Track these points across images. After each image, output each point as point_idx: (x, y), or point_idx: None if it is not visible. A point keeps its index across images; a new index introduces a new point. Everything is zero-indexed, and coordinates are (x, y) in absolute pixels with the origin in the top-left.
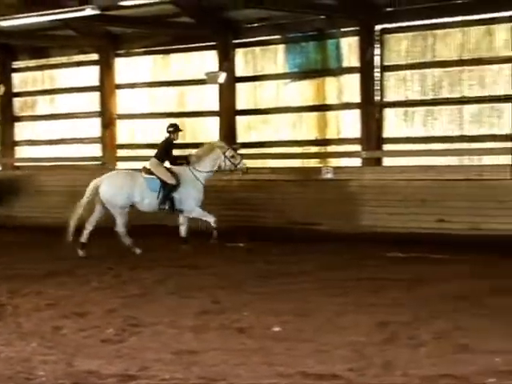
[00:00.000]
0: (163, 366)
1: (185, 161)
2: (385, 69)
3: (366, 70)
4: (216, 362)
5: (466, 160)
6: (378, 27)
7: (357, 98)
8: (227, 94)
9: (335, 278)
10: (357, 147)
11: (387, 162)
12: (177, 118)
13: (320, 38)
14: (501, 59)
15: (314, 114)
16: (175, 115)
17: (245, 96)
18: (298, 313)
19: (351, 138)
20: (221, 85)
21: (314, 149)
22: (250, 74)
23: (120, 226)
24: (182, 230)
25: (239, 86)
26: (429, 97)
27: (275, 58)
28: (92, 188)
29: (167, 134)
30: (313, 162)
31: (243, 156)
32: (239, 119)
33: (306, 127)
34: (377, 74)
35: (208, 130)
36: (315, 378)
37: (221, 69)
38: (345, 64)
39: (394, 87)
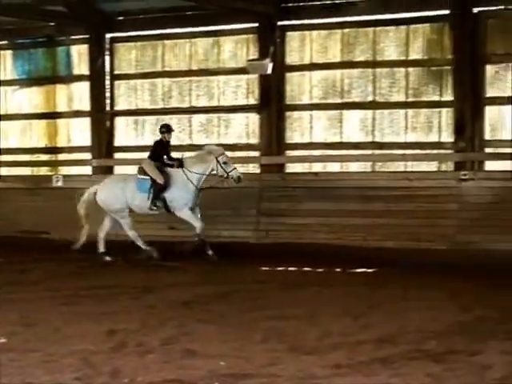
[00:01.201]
0: None
1: (176, 162)
2: (115, 77)
3: (96, 78)
4: None
5: None
6: (108, 36)
7: (87, 106)
8: None
9: (63, 288)
10: (87, 155)
11: (118, 170)
12: None
13: (50, 45)
14: (227, 71)
15: (44, 121)
16: None
17: None
18: (24, 323)
19: (82, 146)
20: None
21: (44, 157)
22: None
23: (127, 229)
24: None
25: None
26: (159, 106)
27: (3, 63)
28: (87, 196)
29: (160, 135)
30: (43, 170)
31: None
32: None
33: (35, 135)
34: (107, 83)
35: None
36: None
37: None
38: (75, 71)
39: (125, 96)
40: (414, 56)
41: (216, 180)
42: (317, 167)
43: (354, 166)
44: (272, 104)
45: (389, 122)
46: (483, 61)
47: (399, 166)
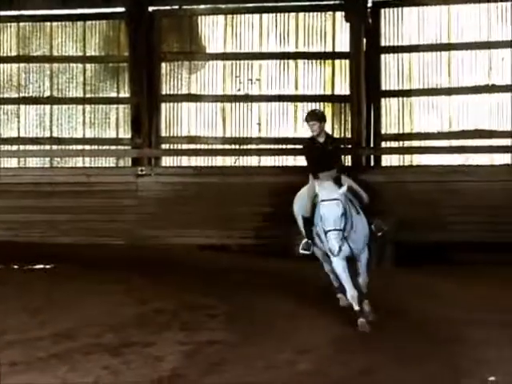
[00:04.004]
0: None
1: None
2: None
3: None
4: None
5: None
6: None
7: None
8: None
9: None
10: None
11: None
12: None
13: None
14: None
15: None
16: None
17: None
18: None
19: None
20: None
21: None
22: None
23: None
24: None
25: None
26: None
27: None
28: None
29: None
30: None
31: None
32: None
33: None
34: None
35: None
36: None
37: None
38: None
39: None
40: (91, 52)
41: None
42: None
43: (32, 162)
44: None
45: (66, 117)
46: (159, 58)
47: (77, 162)
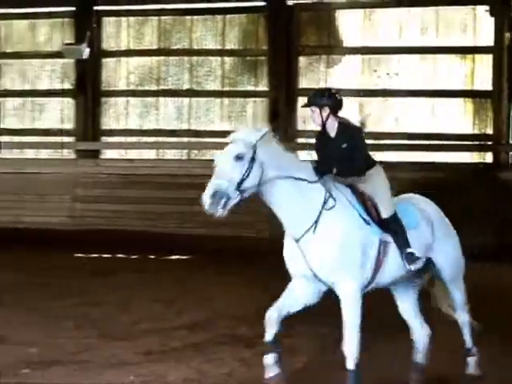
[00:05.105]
0: None
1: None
2: None
3: None
4: None
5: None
6: None
7: None
8: None
9: None
10: None
11: None
12: None
13: None
14: (42, 54)
15: None
16: None
17: None
18: None
19: None
20: None
21: None
22: None
23: None
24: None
25: None
26: None
27: None
28: None
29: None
30: None
31: None
32: None
33: None
34: None
35: None
36: None
37: None
38: None
39: None
40: (229, 46)
41: None
42: (132, 154)
43: (169, 154)
44: (88, 89)
45: (205, 110)
46: (297, 52)
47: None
